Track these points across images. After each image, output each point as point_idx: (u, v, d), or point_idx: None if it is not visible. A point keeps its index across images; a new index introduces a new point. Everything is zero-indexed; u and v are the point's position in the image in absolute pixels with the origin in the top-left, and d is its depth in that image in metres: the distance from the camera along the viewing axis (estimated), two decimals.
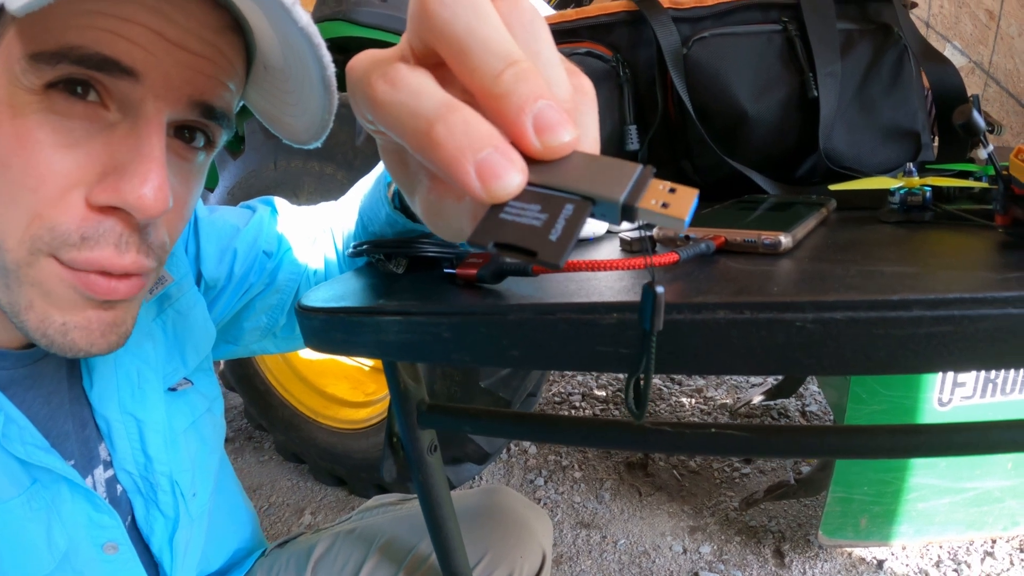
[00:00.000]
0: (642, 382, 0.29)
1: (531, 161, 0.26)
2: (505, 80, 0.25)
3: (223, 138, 0.56)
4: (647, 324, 0.27)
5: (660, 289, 0.27)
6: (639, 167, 0.26)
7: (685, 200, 0.25)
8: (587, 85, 0.30)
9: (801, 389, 2.48)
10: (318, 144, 0.56)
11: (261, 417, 2.22)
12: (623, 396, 0.31)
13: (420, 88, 0.27)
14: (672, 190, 0.25)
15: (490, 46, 0.26)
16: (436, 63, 0.28)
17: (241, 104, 0.60)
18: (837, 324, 0.30)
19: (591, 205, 0.25)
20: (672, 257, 0.38)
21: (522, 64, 0.26)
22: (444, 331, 0.38)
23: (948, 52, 2.00)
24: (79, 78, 0.44)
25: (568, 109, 0.27)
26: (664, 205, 0.25)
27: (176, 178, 0.52)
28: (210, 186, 2.13)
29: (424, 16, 0.27)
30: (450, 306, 0.39)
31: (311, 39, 0.45)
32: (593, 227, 0.58)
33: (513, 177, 0.25)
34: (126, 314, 0.53)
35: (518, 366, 0.36)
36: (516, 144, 0.26)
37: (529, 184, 0.26)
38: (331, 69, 0.47)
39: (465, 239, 0.31)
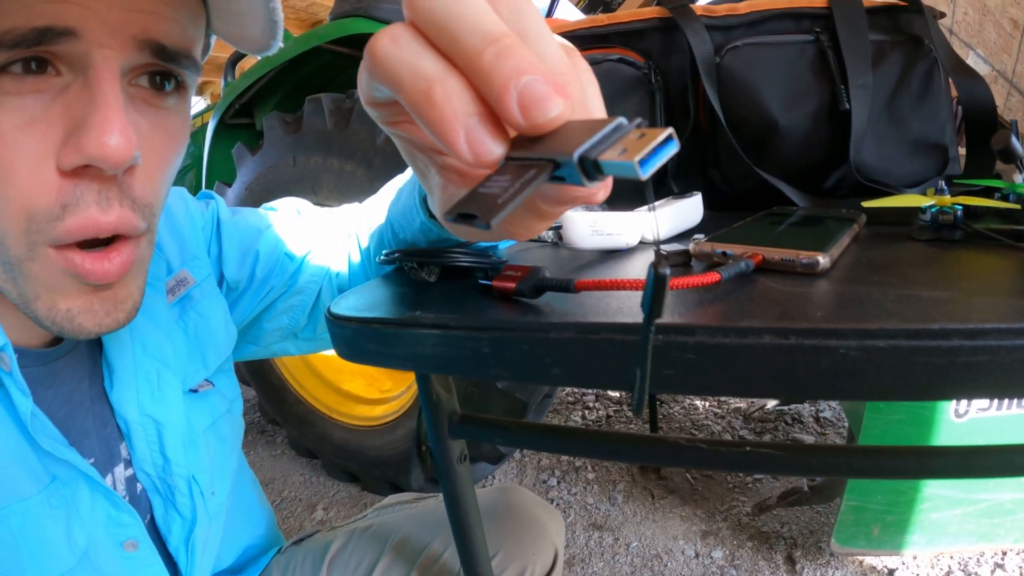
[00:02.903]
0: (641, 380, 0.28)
1: (528, 135, 0.26)
2: (486, 59, 0.26)
3: (192, 77, 0.54)
4: (646, 309, 0.26)
5: (666, 271, 0.25)
6: (617, 120, 0.24)
7: (647, 141, 0.23)
8: (581, 62, 0.30)
9: None
10: (278, 43, 0.54)
11: (275, 412, 2.23)
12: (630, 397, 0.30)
13: (419, 49, 0.28)
14: (642, 135, 0.23)
15: (471, 25, 0.26)
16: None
17: (211, 46, 0.60)
18: (880, 352, 0.30)
19: (551, 167, 0.24)
20: (714, 277, 0.39)
21: (504, 40, 0.26)
22: (483, 346, 0.38)
23: (971, 60, 1.98)
24: (24, 57, 0.44)
25: (562, 80, 0.27)
26: (622, 152, 0.23)
27: (148, 124, 0.51)
28: (227, 181, 2.13)
29: (407, 3, 0.28)
30: (490, 321, 0.39)
31: None
32: (625, 238, 0.58)
33: (496, 146, 0.26)
34: (129, 289, 0.53)
35: (559, 383, 0.36)
36: (503, 119, 0.26)
37: (512, 157, 0.26)
38: None
39: (480, 240, 0.31)
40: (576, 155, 0.24)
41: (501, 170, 0.25)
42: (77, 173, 0.46)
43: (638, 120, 0.24)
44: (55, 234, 0.47)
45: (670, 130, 0.23)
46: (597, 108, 0.29)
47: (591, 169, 0.24)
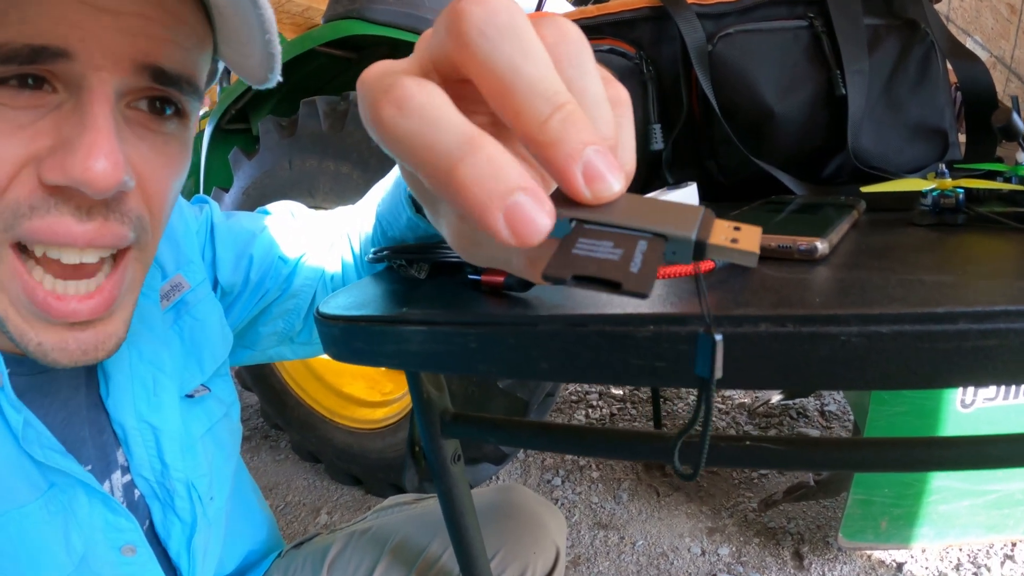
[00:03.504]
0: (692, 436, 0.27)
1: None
2: (553, 127, 0.24)
3: (194, 104, 0.54)
4: (706, 372, 0.26)
5: (719, 337, 0.25)
6: (702, 208, 0.26)
7: (752, 235, 0.25)
8: (624, 95, 0.29)
9: None
10: (277, 77, 0.53)
11: (277, 416, 2.22)
12: (671, 448, 0.29)
13: (435, 115, 0.24)
14: (737, 228, 0.25)
15: (536, 87, 0.24)
16: (460, 80, 0.26)
17: (219, 71, 0.59)
18: (882, 338, 0.29)
19: (664, 242, 0.24)
20: (708, 265, 0.37)
21: (568, 106, 0.24)
22: (471, 341, 0.37)
23: (969, 47, 1.97)
24: (23, 71, 0.43)
25: (612, 146, 0.26)
26: (733, 241, 0.24)
27: (147, 148, 0.51)
28: (224, 187, 2.13)
29: (461, 45, 0.25)
30: (477, 316, 0.37)
31: None
32: None
33: (543, 222, 0.23)
34: (112, 326, 0.52)
35: (548, 378, 0.35)
36: (566, 190, 0.25)
37: (593, 222, 0.25)
38: None
39: (508, 269, 0.30)
40: (694, 235, 0.24)
41: (585, 232, 0.25)
42: (59, 190, 0.46)
43: (711, 210, 0.26)
44: (19, 231, 0.46)
45: (761, 228, 0.25)
46: (630, 152, 0.28)
47: (700, 251, 0.25)
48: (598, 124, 0.26)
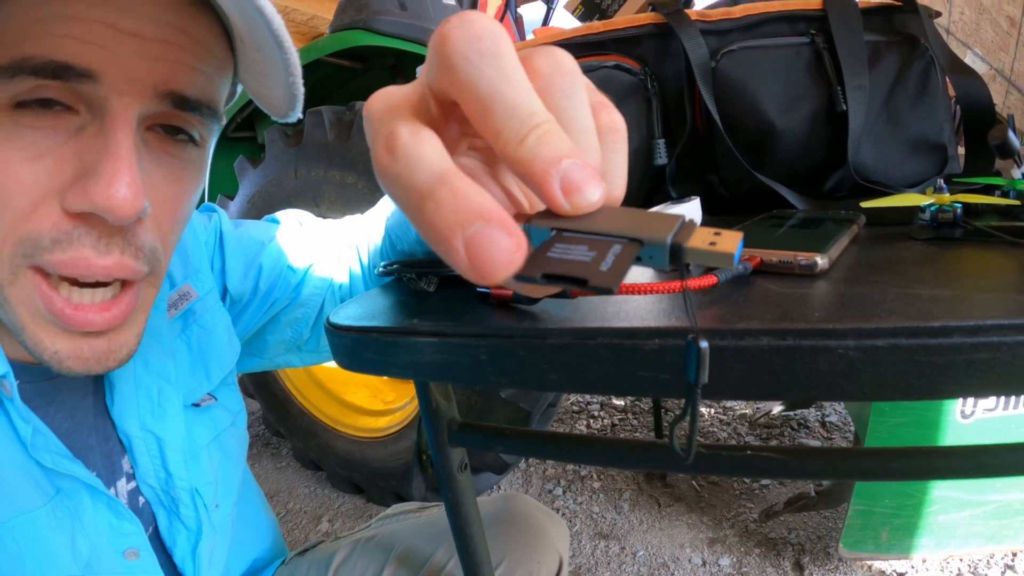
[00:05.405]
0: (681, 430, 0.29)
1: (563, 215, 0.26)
2: (528, 145, 0.25)
3: (213, 129, 0.55)
4: (692, 378, 0.27)
5: (704, 344, 0.26)
6: (681, 216, 0.26)
7: (731, 240, 0.25)
8: (618, 121, 0.30)
9: None
10: (297, 114, 0.54)
11: (279, 424, 2.23)
12: (668, 436, 0.31)
13: (416, 159, 0.25)
14: (717, 233, 0.25)
15: (514, 109, 0.25)
16: (455, 102, 0.27)
17: (237, 93, 0.60)
18: (879, 351, 0.30)
19: (639, 246, 0.25)
20: (711, 280, 0.38)
21: (545, 125, 0.25)
22: (482, 353, 0.37)
23: (968, 59, 1.98)
24: (46, 95, 0.44)
25: (595, 163, 0.27)
26: (711, 244, 0.25)
27: (162, 174, 0.51)
28: (230, 194, 2.14)
29: (445, 68, 0.26)
30: (487, 328, 0.38)
31: None
32: None
33: (503, 252, 0.23)
34: (124, 336, 0.53)
35: (557, 389, 0.36)
36: (546, 203, 0.25)
37: (571, 230, 0.26)
38: (276, 22, 0.45)
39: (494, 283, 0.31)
40: (669, 239, 0.25)
41: (563, 239, 0.26)
42: (81, 217, 0.46)
43: (693, 220, 0.26)
44: (40, 260, 0.46)
45: (742, 235, 0.26)
46: (621, 179, 0.29)
47: (677, 254, 0.25)
48: (584, 153, 0.27)
